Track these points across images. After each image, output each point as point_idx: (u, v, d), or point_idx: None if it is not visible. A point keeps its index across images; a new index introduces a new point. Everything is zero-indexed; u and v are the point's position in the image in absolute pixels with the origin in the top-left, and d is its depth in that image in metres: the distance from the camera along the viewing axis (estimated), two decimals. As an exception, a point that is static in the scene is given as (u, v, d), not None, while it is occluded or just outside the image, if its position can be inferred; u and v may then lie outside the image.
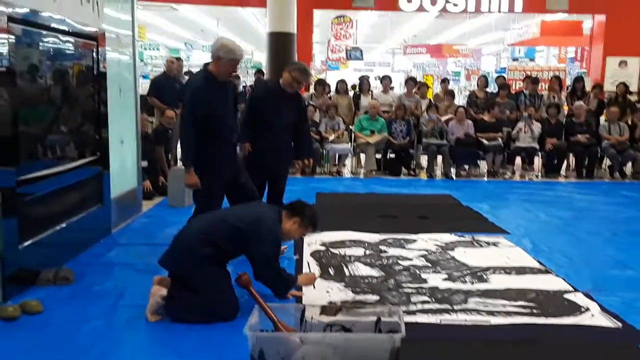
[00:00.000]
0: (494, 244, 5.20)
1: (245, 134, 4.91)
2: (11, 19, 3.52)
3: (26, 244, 3.80)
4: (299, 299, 3.68)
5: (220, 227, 3.48)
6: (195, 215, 4.27)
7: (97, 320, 3.36)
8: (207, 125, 4.05)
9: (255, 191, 4.53)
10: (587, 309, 3.67)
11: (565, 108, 10.40)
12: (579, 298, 3.86)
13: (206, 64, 4.26)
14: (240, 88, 11.33)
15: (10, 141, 3.58)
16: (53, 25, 4.11)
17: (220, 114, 4.17)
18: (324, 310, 3.09)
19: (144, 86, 9.74)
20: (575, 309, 3.68)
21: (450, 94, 10.90)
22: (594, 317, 3.56)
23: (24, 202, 3.77)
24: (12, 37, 3.55)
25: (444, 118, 9.60)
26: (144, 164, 6.47)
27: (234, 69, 4.23)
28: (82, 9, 4.51)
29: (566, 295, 3.91)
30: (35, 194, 3.96)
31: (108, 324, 3.34)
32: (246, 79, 18.10)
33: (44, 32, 4.05)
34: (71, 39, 4.46)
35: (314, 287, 3.88)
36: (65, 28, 4.30)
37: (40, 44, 4.04)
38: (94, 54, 4.83)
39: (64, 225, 4.35)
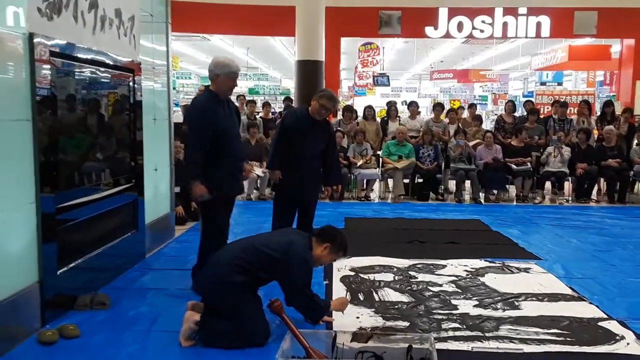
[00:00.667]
0: (525, 270, 5.15)
1: (276, 161, 4.99)
2: (52, 52, 3.67)
3: (64, 269, 3.90)
4: (329, 325, 3.69)
5: (251, 254, 3.52)
6: (205, 239, 4.32)
7: (132, 346, 3.43)
8: (218, 143, 4.11)
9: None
10: (623, 338, 3.61)
11: (595, 132, 10.28)
12: (613, 326, 3.80)
13: (207, 86, 4.38)
14: (271, 115, 11.48)
15: (50, 168, 3.70)
16: (92, 57, 4.26)
17: (229, 129, 4.25)
18: (355, 336, 3.11)
19: (176, 114, 9.95)
20: (610, 337, 3.62)
21: (478, 119, 10.88)
22: (630, 345, 3.50)
23: (62, 229, 3.88)
24: (53, 68, 3.70)
25: (471, 143, 9.59)
26: (177, 189, 6.59)
27: (234, 83, 4.32)
28: (119, 41, 4.66)
29: (601, 323, 3.85)
30: (74, 221, 4.07)
31: (143, 348, 3.40)
32: (275, 105, 18.30)
33: (83, 64, 4.20)
34: (109, 70, 4.62)
35: (343, 313, 3.87)
36: (104, 60, 4.46)
37: (80, 75, 4.20)
38: (130, 83, 4.99)
39: (100, 250, 4.46)
